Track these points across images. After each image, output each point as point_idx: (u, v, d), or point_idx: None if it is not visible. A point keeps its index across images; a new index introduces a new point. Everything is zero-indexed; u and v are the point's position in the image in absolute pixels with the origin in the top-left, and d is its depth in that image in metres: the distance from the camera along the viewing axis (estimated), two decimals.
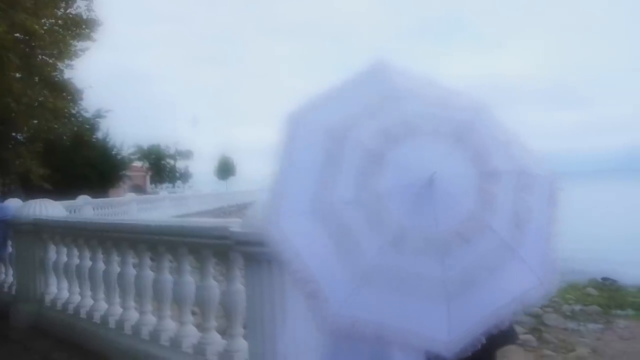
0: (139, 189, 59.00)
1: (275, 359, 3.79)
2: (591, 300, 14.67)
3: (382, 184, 1.52)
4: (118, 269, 6.32)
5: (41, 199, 8.52)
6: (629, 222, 37.47)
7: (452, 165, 1.55)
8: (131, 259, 6.22)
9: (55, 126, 27.86)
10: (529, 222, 1.61)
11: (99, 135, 37.76)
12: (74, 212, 20.27)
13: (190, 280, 5.29)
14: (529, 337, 10.11)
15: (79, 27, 26.64)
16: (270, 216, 1.65)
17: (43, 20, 25.02)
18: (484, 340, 1.54)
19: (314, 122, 1.70)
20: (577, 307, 13.57)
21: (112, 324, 6.30)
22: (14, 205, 8.65)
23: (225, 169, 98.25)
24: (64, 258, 7.53)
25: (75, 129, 32.42)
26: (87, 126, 34.56)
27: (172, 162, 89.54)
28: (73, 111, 29.81)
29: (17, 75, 24.05)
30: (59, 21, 26.28)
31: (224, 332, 4.92)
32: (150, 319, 5.82)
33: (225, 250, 4.50)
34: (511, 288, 1.58)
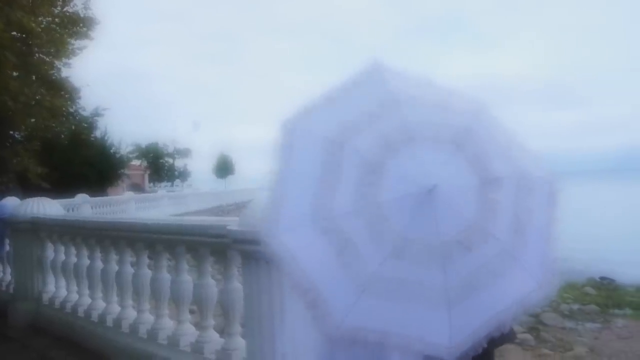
0: (137, 188, 58.96)
1: (273, 357, 3.79)
2: (589, 300, 14.67)
3: (381, 194, 1.51)
4: (116, 268, 6.32)
5: (39, 198, 8.51)
6: (627, 221, 37.51)
7: (452, 173, 1.54)
8: (129, 258, 6.22)
9: (53, 125, 27.82)
10: (529, 226, 1.61)
11: (97, 133, 37.72)
12: (73, 210, 20.28)
13: (188, 278, 5.29)
14: (527, 335, 10.11)
15: (76, 26, 26.57)
16: (269, 227, 1.63)
17: (40, 19, 24.95)
18: (485, 345, 1.55)
19: (311, 130, 1.68)
20: (575, 306, 13.57)
21: (109, 322, 6.29)
22: (12, 203, 8.62)
23: (224, 168, 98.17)
24: (62, 256, 7.53)
25: (73, 127, 32.39)
26: (85, 125, 34.52)
27: (170, 160, 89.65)
28: (71, 110, 29.76)
29: (14, 73, 23.98)
30: (56, 19, 26.21)
31: (222, 331, 4.92)
32: (148, 318, 5.82)
33: (223, 248, 4.49)
34: (511, 292, 1.58)
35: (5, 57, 22.01)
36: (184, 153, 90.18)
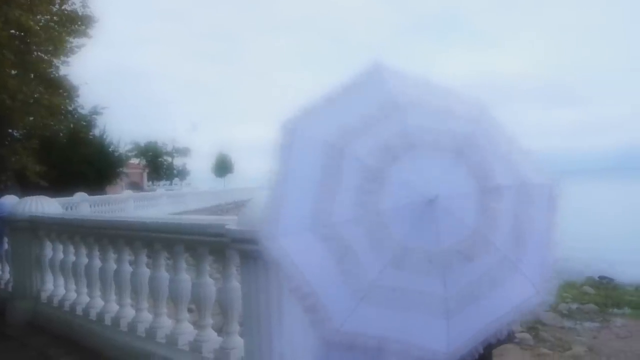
0: (136, 186, 58.95)
1: (271, 356, 3.79)
2: (588, 299, 14.68)
3: (382, 203, 1.50)
4: (114, 266, 6.31)
5: (37, 196, 8.51)
6: (627, 221, 37.53)
7: (453, 182, 1.52)
8: (127, 256, 6.22)
9: (52, 123, 27.78)
10: (529, 233, 1.60)
11: (96, 132, 37.72)
12: (71, 209, 20.28)
13: (186, 277, 5.29)
14: (526, 335, 10.11)
15: (75, 24, 26.52)
16: (269, 230, 1.62)
17: (38, 17, 24.92)
18: (482, 350, 1.55)
19: (311, 132, 1.67)
20: (574, 306, 13.58)
21: (108, 321, 6.29)
22: (10, 202, 8.61)
23: (222, 167, 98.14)
24: (60, 255, 7.52)
25: (72, 125, 32.39)
26: (84, 123, 34.51)
27: (169, 159, 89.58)
28: (69, 108, 29.74)
29: (13, 71, 23.97)
30: (54, 17, 26.16)
31: (220, 330, 4.91)
32: (147, 316, 5.82)
33: (222, 247, 4.49)
34: (510, 299, 1.58)
35: (4, 56, 22.01)
36: (183, 152, 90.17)
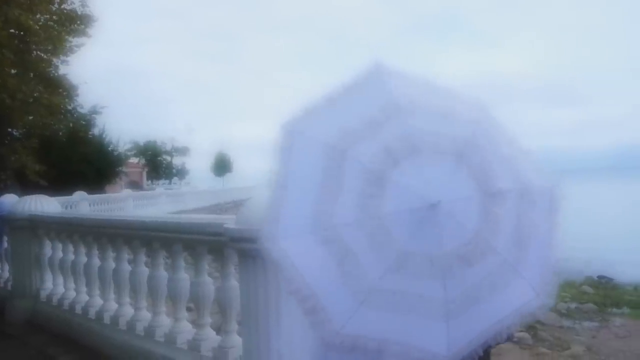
0: (135, 185, 58.93)
1: (269, 354, 3.79)
2: (587, 298, 14.69)
3: (383, 207, 1.49)
4: (113, 265, 6.32)
5: (37, 195, 8.51)
6: (626, 220, 37.53)
7: (455, 186, 1.51)
8: (126, 255, 6.22)
9: (51, 122, 27.76)
10: (531, 237, 1.60)
11: (95, 131, 37.68)
12: (70, 208, 20.30)
13: (185, 276, 5.30)
14: (524, 334, 10.12)
15: (74, 23, 26.47)
16: (269, 231, 1.62)
17: (38, 16, 24.90)
18: (481, 353, 1.56)
19: (312, 134, 1.66)
20: (573, 305, 13.59)
21: (107, 319, 6.30)
22: (10, 201, 8.62)
23: (222, 166, 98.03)
24: (60, 254, 7.53)
25: (71, 125, 32.37)
26: (83, 122, 34.49)
27: (168, 158, 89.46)
28: (69, 107, 29.70)
29: (12, 71, 23.94)
30: (54, 17, 26.12)
31: (218, 329, 4.92)
32: (145, 315, 5.83)
33: (220, 246, 4.49)
34: (510, 302, 1.58)
35: (3, 55, 21.99)
36: (182, 151, 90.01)
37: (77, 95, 29.78)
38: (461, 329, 1.53)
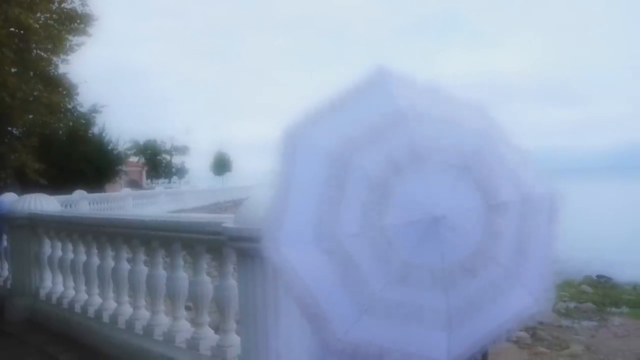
0: (135, 184, 58.90)
1: (268, 354, 3.80)
2: (586, 298, 14.70)
3: (387, 219, 1.48)
4: (112, 264, 6.33)
5: (36, 194, 8.51)
6: (626, 220, 37.54)
7: (459, 198, 1.50)
8: (125, 254, 6.23)
9: (51, 121, 27.75)
10: (530, 246, 1.60)
11: (95, 130, 37.62)
12: (70, 207, 20.29)
13: (183, 275, 5.31)
14: (523, 334, 10.12)
15: (74, 22, 26.44)
16: (272, 239, 1.62)
17: (38, 15, 24.88)
18: (480, 357, 1.57)
19: (315, 142, 1.64)
20: (572, 305, 13.60)
21: (106, 318, 6.31)
22: (9, 199, 8.63)
23: (221, 165, 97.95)
24: (59, 252, 7.54)
25: (71, 123, 32.35)
26: (83, 121, 34.45)
27: (168, 157, 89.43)
28: (68, 106, 29.68)
29: (12, 69, 23.93)
30: (54, 16, 26.09)
31: (217, 328, 4.93)
32: (144, 314, 5.83)
33: (219, 246, 4.50)
34: (510, 308, 1.59)
35: (3, 54, 21.96)
36: (182, 150, 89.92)
37: (77, 94, 29.76)
38: (462, 336, 1.54)
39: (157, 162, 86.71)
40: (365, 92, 1.69)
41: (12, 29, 23.26)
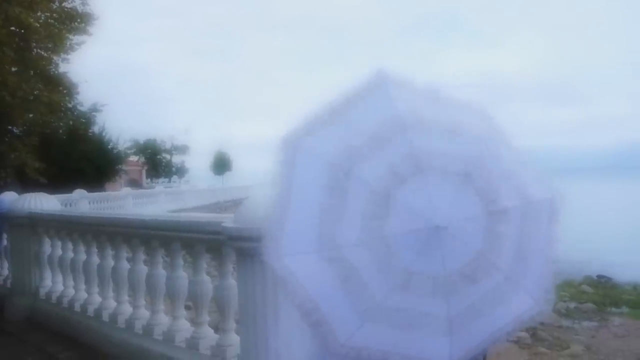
0: (135, 184, 58.94)
1: (267, 353, 3.80)
2: (586, 298, 14.71)
3: (388, 228, 1.47)
4: (112, 263, 6.33)
5: (36, 193, 8.52)
6: (626, 220, 37.55)
7: (460, 207, 1.50)
8: (125, 254, 6.23)
9: (51, 120, 27.82)
10: (531, 250, 1.60)
11: (95, 129, 37.62)
12: (70, 206, 20.30)
13: (183, 275, 5.31)
14: (523, 334, 10.12)
15: (74, 21, 26.49)
16: (272, 250, 1.62)
17: (38, 14, 24.92)
18: (481, 359, 1.58)
19: (315, 150, 1.62)
20: (572, 305, 13.60)
21: (105, 317, 6.31)
22: (9, 198, 8.63)
23: (221, 164, 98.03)
24: (59, 252, 7.54)
25: (71, 122, 32.38)
26: (83, 120, 34.47)
27: (168, 157, 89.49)
28: (69, 105, 29.74)
29: (13, 68, 23.96)
30: (54, 15, 26.14)
31: (216, 327, 4.93)
32: (144, 313, 5.84)
33: (219, 245, 4.50)
34: (510, 312, 1.59)
35: (4, 53, 21.99)
36: (182, 150, 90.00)
37: (77, 93, 29.82)
38: (463, 340, 1.55)
39: (157, 162, 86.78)
40: (365, 98, 1.67)
41: (13, 28, 23.30)
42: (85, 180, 30.24)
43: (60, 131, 32.59)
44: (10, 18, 22.05)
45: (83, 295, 6.98)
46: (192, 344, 4.95)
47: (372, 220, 1.49)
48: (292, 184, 1.63)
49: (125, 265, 6.14)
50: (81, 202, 23.16)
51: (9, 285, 8.63)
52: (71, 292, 7.25)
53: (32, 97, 25.06)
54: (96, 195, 26.65)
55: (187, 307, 5.61)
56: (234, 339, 4.57)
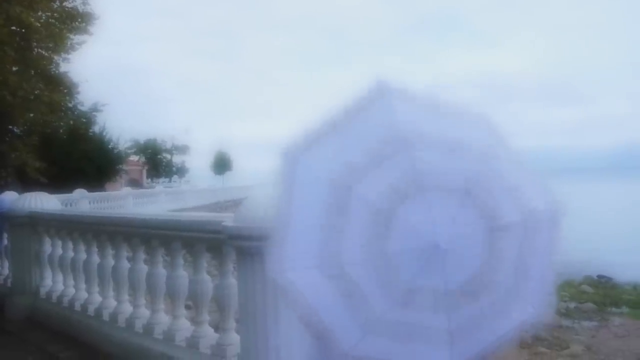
0: (135, 183, 58.98)
1: (267, 352, 3.80)
2: (586, 298, 14.70)
3: (390, 246, 1.47)
4: (112, 263, 6.33)
5: (37, 192, 8.53)
6: (626, 220, 37.53)
7: (461, 224, 1.49)
8: (125, 253, 6.23)
9: (52, 119, 27.83)
10: (532, 263, 1.60)
11: (96, 129, 37.64)
12: (70, 205, 20.31)
13: (183, 274, 5.31)
14: (524, 334, 10.10)
15: (75, 21, 26.52)
16: (274, 265, 1.62)
17: (39, 13, 24.93)
18: None
19: (315, 166, 1.62)
20: (572, 305, 13.60)
21: (106, 316, 6.31)
22: (10, 198, 8.64)
23: (221, 164, 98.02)
24: (59, 251, 7.54)
25: (72, 122, 32.40)
26: (84, 120, 34.50)
27: (168, 156, 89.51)
28: (69, 105, 29.78)
29: (13, 68, 23.98)
30: (55, 14, 26.16)
31: (217, 326, 4.93)
32: (144, 312, 5.84)
33: (219, 244, 4.51)
34: (511, 322, 1.61)
35: (5, 52, 22.01)
36: (182, 149, 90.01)
37: (77, 92, 29.85)
38: (463, 349, 1.56)
39: (157, 161, 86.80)
40: (365, 111, 1.67)
41: (14, 28, 23.32)
42: (85, 180, 30.24)
43: (61, 131, 32.62)
44: (11, 17, 22.07)
45: (83, 294, 6.98)
46: (193, 343, 4.95)
47: (373, 239, 1.49)
48: (292, 199, 1.62)
49: (126, 265, 6.14)
50: (81, 201, 23.18)
51: (9, 284, 8.63)
52: (71, 291, 7.26)
53: (32, 97, 25.07)
54: (96, 195, 26.67)
55: (188, 307, 5.61)
56: (234, 338, 4.57)
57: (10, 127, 27.42)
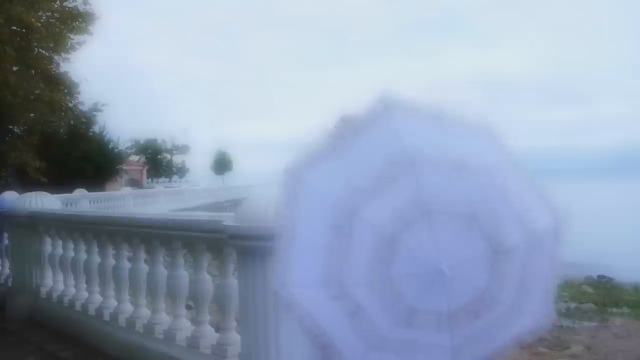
0: (135, 183, 59.10)
1: (268, 352, 3.80)
2: (587, 298, 14.68)
3: (394, 270, 1.48)
4: (113, 262, 6.33)
5: (37, 192, 8.53)
6: (626, 220, 37.53)
7: (466, 248, 1.50)
8: (126, 253, 6.23)
9: (52, 119, 27.82)
10: (534, 278, 1.60)
11: (96, 129, 37.77)
12: (71, 205, 20.32)
13: (184, 273, 5.31)
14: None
15: (76, 21, 26.51)
16: (280, 283, 1.61)
17: (40, 13, 24.96)
18: None
19: (319, 187, 1.61)
20: (572, 305, 13.57)
21: (106, 316, 6.31)
22: (10, 197, 8.65)
23: (221, 164, 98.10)
24: (60, 251, 7.55)
25: (72, 122, 32.39)
26: (84, 120, 34.54)
27: (168, 156, 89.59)
28: (70, 104, 29.70)
29: (14, 68, 24.00)
30: (56, 14, 26.17)
31: (217, 326, 4.93)
32: (145, 312, 5.84)
33: (219, 244, 4.50)
34: (512, 334, 1.62)
35: (5, 52, 22.03)
36: (182, 149, 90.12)
37: (78, 92, 29.79)
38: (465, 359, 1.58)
39: (157, 161, 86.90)
40: (369, 129, 1.64)
41: (14, 27, 23.34)
42: (85, 179, 30.33)
43: (61, 131, 32.65)
44: (12, 17, 22.09)
45: (84, 294, 6.98)
46: (193, 343, 4.95)
47: (377, 262, 1.49)
48: (296, 218, 1.62)
49: (126, 264, 6.14)
50: (82, 201, 23.21)
51: (9, 284, 8.64)
52: (72, 291, 7.26)
53: (33, 97, 25.10)
54: (96, 194, 26.72)
55: (188, 306, 5.61)
56: (234, 338, 4.57)
57: (11, 126, 27.46)
